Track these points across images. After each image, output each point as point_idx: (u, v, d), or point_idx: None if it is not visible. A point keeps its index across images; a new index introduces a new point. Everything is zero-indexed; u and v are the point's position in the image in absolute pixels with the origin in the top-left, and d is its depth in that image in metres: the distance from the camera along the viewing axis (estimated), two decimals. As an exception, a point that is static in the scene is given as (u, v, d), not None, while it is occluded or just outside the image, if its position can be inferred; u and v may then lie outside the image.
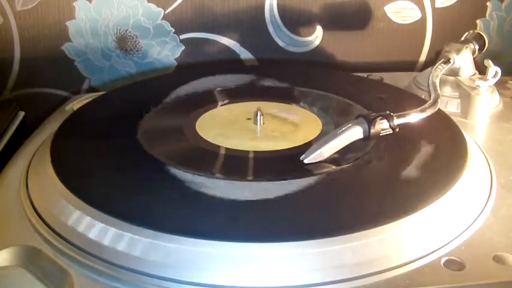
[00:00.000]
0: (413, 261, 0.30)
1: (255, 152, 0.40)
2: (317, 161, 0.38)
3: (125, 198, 0.34)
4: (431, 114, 0.41)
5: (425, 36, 0.69)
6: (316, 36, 0.67)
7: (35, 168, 0.40)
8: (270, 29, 0.66)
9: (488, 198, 0.36)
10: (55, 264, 0.31)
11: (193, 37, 0.65)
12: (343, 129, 0.38)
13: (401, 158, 0.39)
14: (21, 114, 0.54)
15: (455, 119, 0.45)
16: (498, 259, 0.30)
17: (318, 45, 0.68)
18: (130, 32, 0.64)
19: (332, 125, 0.44)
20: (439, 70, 0.49)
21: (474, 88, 0.49)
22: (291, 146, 0.41)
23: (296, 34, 0.67)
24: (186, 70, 0.66)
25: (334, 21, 0.67)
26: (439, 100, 0.43)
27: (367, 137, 0.38)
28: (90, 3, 0.62)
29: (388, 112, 0.39)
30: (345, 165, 0.37)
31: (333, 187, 0.36)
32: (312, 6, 0.66)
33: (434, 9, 0.68)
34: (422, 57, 0.70)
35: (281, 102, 0.49)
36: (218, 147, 0.41)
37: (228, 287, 0.29)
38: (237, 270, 0.29)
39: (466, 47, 0.52)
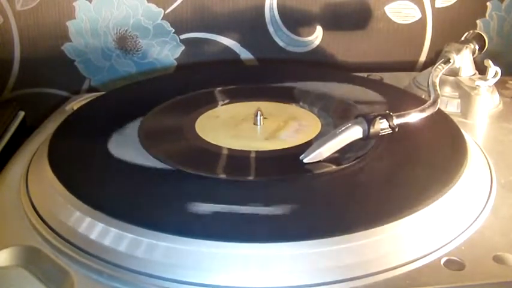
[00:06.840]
0: (413, 261, 0.30)
1: (254, 151, 0.40)
2: (316, 160, 0.38)
3: (124, 198, 0.34)
4: (431, 114, 0.41)
5: (425, 36, 0.69)
6: (316, 36, 0.67)
7: (35, 168, 0.40)
8: (270, 29, 0.66)
9: (488, 198, 0.36)
10: (55, 264, 0.31)
11: (193, 37, 0.65)
12: (343, 129, 0.38)
13: (401, 158, 0.39)
14: (21, 114, 0.54)
15: (455, 119, 0.45)
16: (498, 259, 0.30)
17: (318, 45, 0.68)
18: (130, 32, 0.64)
19: (332, 125, 0.44)
20: (439, 70, 0.49)
21: (474, 88, 0.49)
22: (291, 146, 0.41)
23: (296, 34, 0.67)
24: (186, 70, 0.66)
25: (334, 21, 0.67)
26: (438, 100, 0.43)
27: (366, 137, 0.38)
28: (90, 3, 0.62)
29: (387, 112, 0.39)
30: (345, 165, 0.37)
31: (333, 187, 0.36)
32: (312, 6, 0.66)
33: (434, 9, 0.68)
34: (422, 57, 0.70)
35: (281, 102, 0.49)
36: (218, 147, 0.41)
37: (228, 287, 0.29)
38: (237, 270, 0.29)
39: (466, 47, 0.52)
